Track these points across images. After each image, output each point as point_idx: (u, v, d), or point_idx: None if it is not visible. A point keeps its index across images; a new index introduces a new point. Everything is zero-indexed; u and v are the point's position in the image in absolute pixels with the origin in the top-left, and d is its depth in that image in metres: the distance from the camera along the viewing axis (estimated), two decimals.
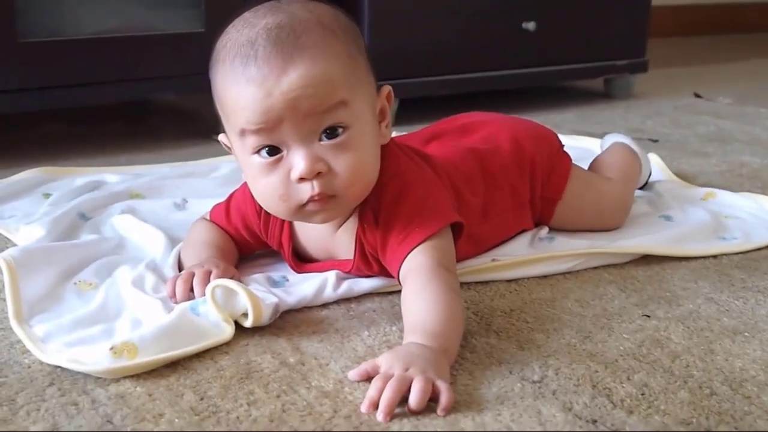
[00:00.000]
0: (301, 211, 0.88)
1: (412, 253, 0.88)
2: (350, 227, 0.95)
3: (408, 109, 1.89)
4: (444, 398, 0.72)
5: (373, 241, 0.92)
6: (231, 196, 1.04)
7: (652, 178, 1.41)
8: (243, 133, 0.85)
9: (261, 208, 0.98)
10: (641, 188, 1.36)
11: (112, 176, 1.39)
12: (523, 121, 1.23)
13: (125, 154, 1.61)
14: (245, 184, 1.01)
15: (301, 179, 0.85)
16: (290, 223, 0.99)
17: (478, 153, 1.08)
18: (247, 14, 0.87)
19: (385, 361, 0.76)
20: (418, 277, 0.86)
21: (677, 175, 1.47)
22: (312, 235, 0.98)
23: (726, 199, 1.33)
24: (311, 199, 0.86)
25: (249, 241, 1.04)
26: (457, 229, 0.94)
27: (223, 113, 0.89)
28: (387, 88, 0.93)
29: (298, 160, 0.85)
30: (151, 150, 1.65)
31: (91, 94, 1.59)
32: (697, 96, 2.33)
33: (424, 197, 0.92)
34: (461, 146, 1.10)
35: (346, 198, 0.88)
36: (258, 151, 0.86)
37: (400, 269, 0.89)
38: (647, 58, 2.30)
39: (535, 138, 1.17)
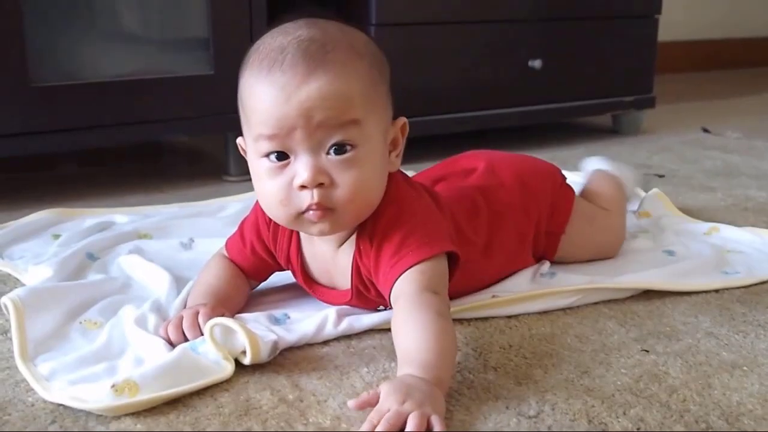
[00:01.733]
0: (300, 219, 0.91)
1: (402, 276, 0.90)
2: (348, 251, 0.96)
3: (415, 148, 1.89)
4: None
5: (368, 264, 0.94)
6: (242, 221, 1.06)
7: (655, 214, 1.42)
8: (258, 137, 0.89)
9: (271, 219, 1.00)
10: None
11: (121, 217, 1.41)
12: (525, 158, 1.24)
13: (136, 195, 1.63)
14: (256, 204, 1.03)
15: (302, 187, 0.88)
16: (298, 239, 1.00)
17: (484, 190, 1.10)
18: (286, 24, 0.91)
19: (383, 393, 0.76)
20: (405, 302, 0.87)
21: (682, 210, 1.47)
22: (316, 254, 1.00)
23: (729, 233, 1.33)
24: (309, 208, 0.89)
25: (265, 259, 1.04)
26: (452, 261, 0.95)
27: (243, 115, 0.92)
28: (402, 120, 0.97)
29: (302, 169, 0.88)
30: (162, 191, 1.68)
31: (102, 137, 1.62)
32: (705, 131, 2.33)
33: (420, 224, 0.94)
34: (467, 185, 1.12)
35: (345, 213, 0.90)
36: (267, 155, 0.89)
37: (391, 292, 0.91)
38: (654, 94, 2.31)
39: (538, 174, 1.18)
